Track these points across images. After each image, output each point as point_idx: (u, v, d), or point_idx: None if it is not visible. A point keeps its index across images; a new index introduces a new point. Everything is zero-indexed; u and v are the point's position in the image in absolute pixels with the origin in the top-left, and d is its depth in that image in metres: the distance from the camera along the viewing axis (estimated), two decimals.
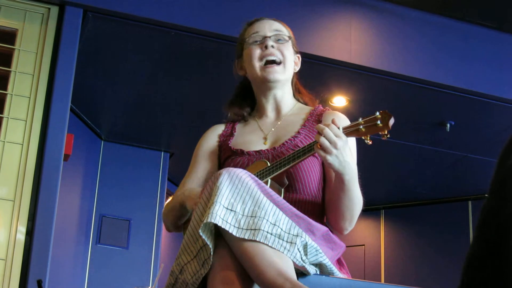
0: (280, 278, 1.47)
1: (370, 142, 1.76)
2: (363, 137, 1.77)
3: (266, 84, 2.07)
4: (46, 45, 3.61)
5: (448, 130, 4.86)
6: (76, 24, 3.65)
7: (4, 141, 3.40)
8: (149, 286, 4.54)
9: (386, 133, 1.73)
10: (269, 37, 2.07)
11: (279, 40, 2.08)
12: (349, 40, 4.18)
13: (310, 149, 1.79)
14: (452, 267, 5.80)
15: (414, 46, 4.33)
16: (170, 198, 2.11)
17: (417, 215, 6.66)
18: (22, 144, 3.42)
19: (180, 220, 2.00)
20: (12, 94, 3.49)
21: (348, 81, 4.40)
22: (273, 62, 2.05)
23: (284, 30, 2.12)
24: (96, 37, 3.93)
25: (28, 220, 3.28)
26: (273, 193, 1.64)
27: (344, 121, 1.96)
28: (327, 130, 1.73)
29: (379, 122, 1.72)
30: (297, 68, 2.16)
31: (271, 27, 2.10)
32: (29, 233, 3.26)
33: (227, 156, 2.04)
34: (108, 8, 3.70)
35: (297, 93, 2.17)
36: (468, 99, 4.44)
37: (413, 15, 4.39)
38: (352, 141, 1.96)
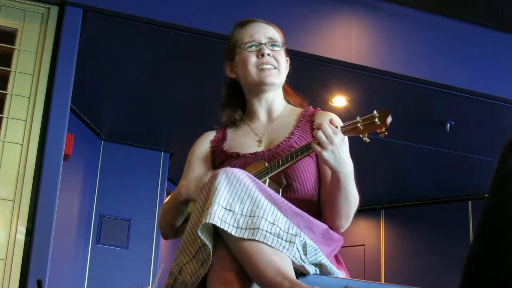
0: (279, 277, 1.48)
1: (368, 140, 1.77)
2: (361, 135, 1.78)
3: (261, 87, 2.07)
4: (46, 45, 3.61)
5: (448, 130, 4.86)
6: (76, 24, 3.65)
7: (4, 141, 3.40)
8: (149, 286, 4.54)
9: (384, 130, 1.74)
10: (264, 44, 2.07)
11: (273, 46, 2.08)
12: (349, 40, 4.18)
13: (308, 148, 1.81)
14: (452, 267, 5.79)
15: (414, 46, 4.33)
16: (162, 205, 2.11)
17: (417, 215, 6.66)
18: (22, 144, 3.42)
19: (177, 220, 2.00)
20: (12, 94, 3.49)
21: (348, 81, 4.40)
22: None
23: (278, 36, 2.12)
24: (96, 37, 3.93)
25: (28, 220, 3.28)
26: (271, 192, 1.65)
27: (338, 121, 1.97)
28: (325, 126, 1.76)
29: (376, 120, 1.74)
30: (287, 71, 2.16)
31: (266, 34, 2.09)
32: (29, 233, 3.26)
33: (222, 160, 2.04)
34: (108, 8, 3.70)
35: (285, 95, 2.18)
36: (468, 99, 4.44)
37: (413, 15, 4.39)
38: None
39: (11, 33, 3.64)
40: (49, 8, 3.67)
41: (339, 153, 1.76)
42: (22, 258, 3.22)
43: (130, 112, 5.03)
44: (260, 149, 2.02)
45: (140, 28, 3.81)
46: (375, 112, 1.75)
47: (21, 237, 3.25)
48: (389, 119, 1.74)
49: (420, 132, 5.01)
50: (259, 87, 2.08)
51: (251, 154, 1.99)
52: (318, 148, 1.76)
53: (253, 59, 2.07)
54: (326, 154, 1.76)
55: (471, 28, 4.48)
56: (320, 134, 1.76)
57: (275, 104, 2.11)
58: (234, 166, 1.95)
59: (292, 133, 2.02)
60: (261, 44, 2.07)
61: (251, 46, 2.08)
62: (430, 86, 4.32)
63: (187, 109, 4.90)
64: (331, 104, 4.66)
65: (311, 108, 2.13)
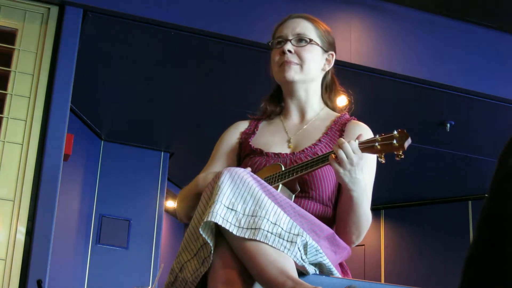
0: (281, 277, 1.47)
1: (383, 161, 1.74)
2: (377, 155, 1.75)
3: (286, 85, 2.05)
4: (46, 45, 3.61)
5: (448, 130, 4.86)
6: (76, 24, 3.65)
7: (4, 141, 3.40)
8: (149, 286, 4.54)
9: (400, 153, 1.71)
10: (290, 40, 2.02)
11: (300, 41, 2.03)
12: (349, 40, 4.18)
13: (325, 159, 1.77)
14: (452, 267, 5.79)
15: (414, 46, 4.33)
16: (181, 190, 2.09)
17: (417, 215, 6.66)
18: (22, 144, 3.41)
19: (193, 209, 1.99)
20: (12, 94, 3.49)
21: (348, 81, 4.39)
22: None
23: (309, 30, 2.05)
24: (96, 37, 3.93)
25: (28, 220, 3.28)
26: (275, 192, 1.64)
27: (368, 134, 1.92)
28: (346, 146, 1.72)
29: (395, 141, 1.70)
30: (328, 67, 2.10)
31: (295, 29, 2.04)
32: (29, 233, 3.26)
33: (246, 154, 2.02)
34: (108, 8, 3.70)
35: (326, 94, 2.12)
36: (468, 99, 4.44)
37: (413, 15, 4.39)
38: (372, 158, 1.93)
39: (11, 33, 3.64)
40: (49, 8, 3.67)
41: (356, 173, 1.74)
42: (22, 258, 3.22)
43: (130, 112, 5.03)
44: (287, 150, 1.98)
45: (140, 28, 3.81)
46: (395, 132, 1.71)
47: (21, 237, 3.25)
48: (407, 143, 1.69)
49: (420, 132, 5.01)
50: (283, 86, 2.06)
51: (274, 154, 1.96)
52: (336, 165, 1.73)
53: (276, 57, 2.04)
54: (343, 173, 1.73)
55: (471, 28, 4.48)
56: (341, 153, 1.71)
57: (308, 104, 2.07)
58: (255, 163, 1.95)
59: (320, 140, 1.98)
60: (287, 40, 2.03)
61: (278, 43, 2.05)
62: (430, 86, 4.32)
63: (187, 109, 4.90)
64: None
65: (346, 115, 2.08)
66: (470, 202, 6.35)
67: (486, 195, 0.92)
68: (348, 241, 1.87)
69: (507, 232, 0.86)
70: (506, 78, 4.48)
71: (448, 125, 4.83)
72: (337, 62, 4.21)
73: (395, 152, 1.71)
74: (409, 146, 1.72)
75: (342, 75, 4.30)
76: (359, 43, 4.22)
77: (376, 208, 6.70)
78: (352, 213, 1.82)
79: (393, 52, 4.27)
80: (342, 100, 4.97)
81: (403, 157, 1.71)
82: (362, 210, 1.82)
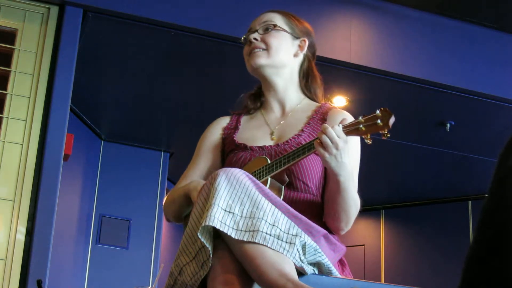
0: (282, 279, 1.47)
1: (370, 142, 1.73)
2: (363, 136, 1.75)
3: (256, 74, 2.06)
4: (46, 45, 3.61)
5: (448, 130, 4.85)
6: (76, 24, 3.65)
7: (4, 141, 3.40)
8: (149, 286, 4.54)
9: (386, 132, 1.70)
10: (257, 30, 2.05)
11: (266, 29, 2.05)
12: (349, 40, 4.18)
13: (310, 147, 1.77)
14: (452, 267, 5.79)
15: (414, 46, 4.33)
16: (171, 190, 2.10)
17: (417, 215, 6.65)
18: (22, 144, 3.41)
19: (184, 211, 1.99)
20: (12, 94, 3.49)
21: (348, 81, 4.40)
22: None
23: (275, 19, 2.07)
24: (96, 37, 3.93)
25: (28, 220, 3.28)
26: (271, 193, 1.63)
27: (350, 120, 1.93)
28: (330, 130, 1.71)
29: (379, 121, 1.69)
30: (301, 53, 2.10)
31: (261, 20, 2.07)
32: (29, 233, 3.25)
33: (230, 150, 2.02)
34: (108, 8, 3.70)
35: (302, 81, 2.11)
36: (468, 99, 4.44)
37: (413, 15, 4.39)
38: (356, 142, 1.94)
39: (11, 33, 3.64)
40: (49, 8, 3.67)
41: (341, 157, 1.73)
42: (22, 258, 3.21)
43: (130, 112, 5.03)
44: (271, 142, 1.99)
45: (140, 28, 3.81)
46: (378, 111, 1.70)
47: (21, 237, 3.25)
48: (391, 120, 1.68)
49: (420, 132, 5.01)
50: (256, 74, 2.07)
51: (258, 147, 1.96)
52: (321, 150, 1.72)
53: (245, 49, 2.07)
54: (329, 158, 1.72)
55: (471, 28, 4.48)
56: (325, 138, 1.70)
57: (287, 94, 2.07)
58: (240, 158, 1.94)
59: (303, 130, 1.98)
60: (254, 31, 2.05)
61: (247, 37, 2.07)
62: (430, 86, 4.32)
63: (186, 109, 4.90)
64: (331, 104, 4.65)
65: (327, 105, 2.08)
66: (470, 202, 6.35)
67: (486, 195, 0.92)
68: (338, 228, 1.86)
69: (507, 233, 0.86)
70: (506, 78, 4.48)
71: (448, 125, 4.83)
72: (337, 62, 4.24)
73: (381, 132, 1.70)
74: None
75: (342, 75, 4.34)
76: (359, 43, 4.22)
77: (376, 208, 6.70)
78: (340, 199, 1.80)
79: (393, 52, 4.27)
80: (340, 101, 4.97)
81: (389, 136, 1.70)
82: (349, 195, 1.80)
